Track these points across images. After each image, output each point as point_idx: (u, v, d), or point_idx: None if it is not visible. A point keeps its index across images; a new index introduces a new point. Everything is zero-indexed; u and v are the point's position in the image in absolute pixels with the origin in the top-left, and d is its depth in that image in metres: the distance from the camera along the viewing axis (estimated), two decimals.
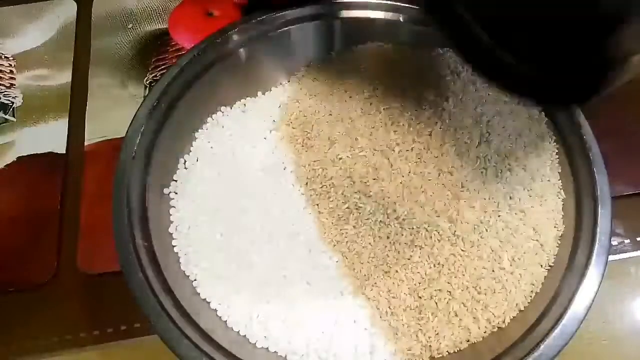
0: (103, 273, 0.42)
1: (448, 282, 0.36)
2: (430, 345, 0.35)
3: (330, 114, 0.42)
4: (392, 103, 0.41)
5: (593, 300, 0.34)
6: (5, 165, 0.47)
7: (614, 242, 0.42)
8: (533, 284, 0.36)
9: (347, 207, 0.39)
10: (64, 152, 0.48)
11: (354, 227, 0.38)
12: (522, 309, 0.36)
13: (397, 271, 0.37)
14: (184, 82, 0.42)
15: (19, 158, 0.48)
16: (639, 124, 0.47)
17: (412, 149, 0.39)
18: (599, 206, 0.37)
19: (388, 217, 0.38)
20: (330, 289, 0.37)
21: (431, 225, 0.37)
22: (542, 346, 0.33)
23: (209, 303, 0.37)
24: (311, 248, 0.38)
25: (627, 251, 0.42)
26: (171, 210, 0.40)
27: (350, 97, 0.43)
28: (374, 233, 0.38)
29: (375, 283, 0.37)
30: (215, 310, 0.36)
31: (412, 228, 0.37)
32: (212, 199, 0.40)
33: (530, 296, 0.36)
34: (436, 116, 0.41)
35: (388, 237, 0.38)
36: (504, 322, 0.35)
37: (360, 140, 0.40)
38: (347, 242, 0.38)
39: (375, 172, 0.39)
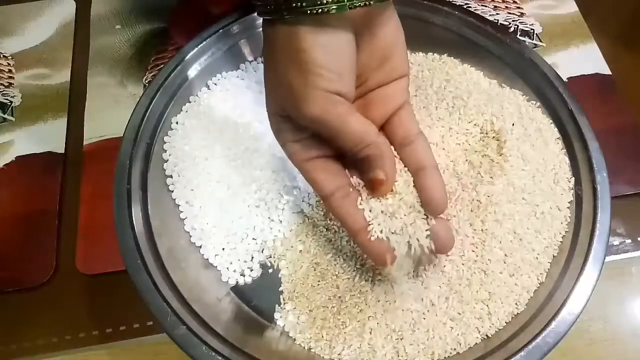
0: (102, 273, 0.42)
1: (445, 287, 0.36)
2: (397, 352, 0.35)
3: None
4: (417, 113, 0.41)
5: (589, 299, 0.34)
6: (4, 165, 0.47)
7: (615, 242, 0.42)
8: (530, 287, 0.36)
9: None
10: (63, 151, 0.48)
11: None
12: (517, 313, 0.36)
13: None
14: (181, 77, 0.43)
15: (17, 157, 0.48)
16: (639, 124, 0.47)
17: None
18: (599, 206, 0.37)
19: None
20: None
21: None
22: (536, 341, 0.33)
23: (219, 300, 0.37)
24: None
25: (628, 251, 0.42)
26: (180, 208, 0.40)
27: None
28: None
29: (372, 289, 0.37)
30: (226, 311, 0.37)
31: None
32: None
33: (526, 301, 0.36)
34: (442, 119, 0.41)
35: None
36: (498, 326, 0.35)
37: None
38: None
39: None
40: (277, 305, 0.38)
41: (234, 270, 0.39)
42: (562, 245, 0.37)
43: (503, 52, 0.44)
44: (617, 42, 0.52)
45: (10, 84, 0.52)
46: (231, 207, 0.40)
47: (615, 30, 0.53)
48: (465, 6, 0.49)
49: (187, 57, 0.43)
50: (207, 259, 0.39)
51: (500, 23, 0.53)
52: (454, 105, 0.42)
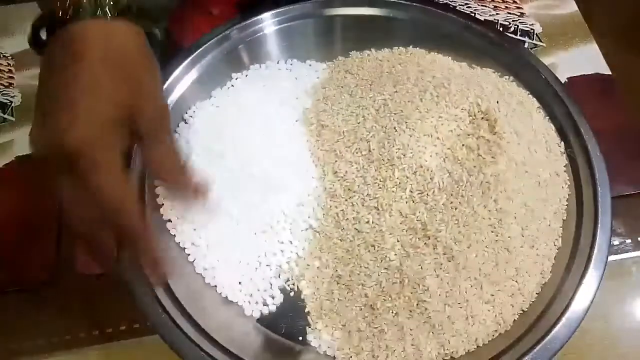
0: (102, 273, 0.42)
1: (474, 272, 0.36)
2: (443, 346, 0.34)
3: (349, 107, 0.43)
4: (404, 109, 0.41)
5: (592, 301, 0.34)
6: (4, 165, 0.47)
7: (615, 242, 0.42)
8: (550, 255, 0.37)
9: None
10: None
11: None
12: (544, 282, 0.36)
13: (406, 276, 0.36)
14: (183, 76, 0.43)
15: (17, 157, 0.48)
16: (639, 124, 0.47)
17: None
18: (599, 206, 0.37)
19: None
20: None
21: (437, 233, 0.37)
22: (543, 342, 0.33)
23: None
24: None
25: (628, 251, 0.42)
26: (187, 250, 0.38)
27: (371, 96, 0.42)
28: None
29: (401, 290, 0.36)
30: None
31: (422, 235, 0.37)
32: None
33: (550, 269, 0.36)
34: (430, 109, 0.41)
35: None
36: (531, 299, 0.36)
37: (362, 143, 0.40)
38: None
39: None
40: (307, 327, 0.36)
41: (256, 302, 0.37)
42: (563, 248, 0.37)
43: (500, 54, 0.44)
44: (617, 42, 0.52)
45: (10, 84, 0.52)
46: (237, 238, 0.38)
47: (615, 30, 0.53)
48: (465, 6, 0.49)
49: (186, 61, 0.44)
50: (226, 297, 0.37)
51: (501, 23, 0.53)
52: (438, 95, 0.41)
